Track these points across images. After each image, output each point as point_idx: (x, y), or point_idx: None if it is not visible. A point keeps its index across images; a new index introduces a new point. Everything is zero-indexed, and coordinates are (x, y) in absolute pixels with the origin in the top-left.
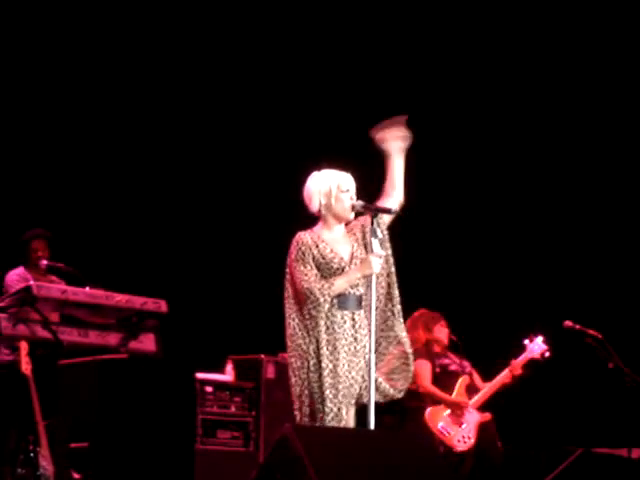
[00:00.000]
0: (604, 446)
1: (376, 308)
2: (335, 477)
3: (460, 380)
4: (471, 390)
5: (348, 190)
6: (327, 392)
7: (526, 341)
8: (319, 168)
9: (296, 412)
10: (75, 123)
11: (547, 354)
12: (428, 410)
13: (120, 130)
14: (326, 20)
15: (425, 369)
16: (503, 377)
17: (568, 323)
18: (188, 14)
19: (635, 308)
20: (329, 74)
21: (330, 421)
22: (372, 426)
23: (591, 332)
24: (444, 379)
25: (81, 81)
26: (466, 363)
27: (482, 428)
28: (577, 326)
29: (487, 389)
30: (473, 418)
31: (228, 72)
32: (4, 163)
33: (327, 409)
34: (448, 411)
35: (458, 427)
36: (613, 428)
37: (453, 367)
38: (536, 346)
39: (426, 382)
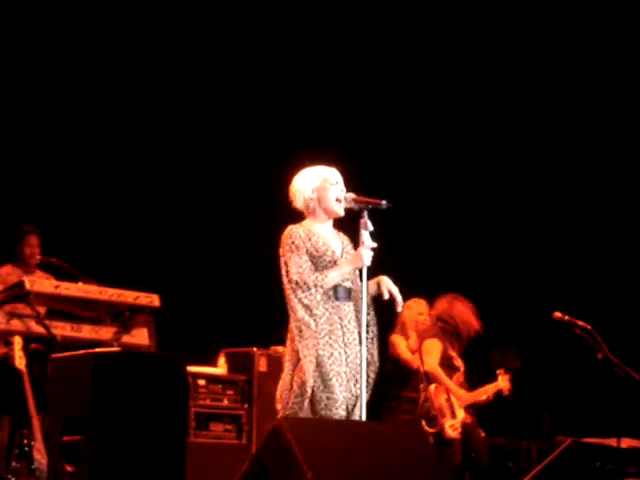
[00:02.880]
0: (594, 436)
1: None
2: (326, 468)
3: (455, 377)
4: (462, 387)
5: (337, 183)
6: (334, 380)
7: (498, 372)
8: (307, 163)
9: (287, 402)
10: (64, 117)
11: (505, 393)
12: (433, 385)
13: (111, 124)
14: (306, 21)
15: (437, 350)
16: (482, 392)
17: (557, 314)
18: (173, 18)
19: (623, 299)
20: (313, 71)
21: (337, 408)
22: (364, 417)
23: (580, 323)
24: (445, 371)
25: (69, 77)
26: (461, 362)
27: (467, 428)
28: (566, 317)
29: (474, 395)
30: (461, 415)
31: (214, 70)
32: None
33: (335, 396)
34: (446, 397)
35: (451, 415)
36: (602, 418)
37: (456, 362)
38: (505, 382)
39: (434, 362)
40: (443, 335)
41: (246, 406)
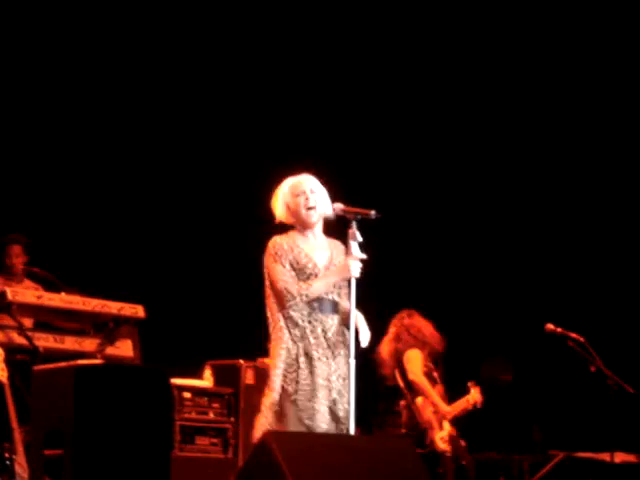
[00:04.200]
0: (587, 450)
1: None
2: None
3: (436, 389)
4: (444, 400)
5: (303, 192)
6: (319, 392)
7: (469, 384)
8: (293, 175)
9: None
10: (49, 126)
11: (478, 406)
12: (420, 398)
13: (98, 135)
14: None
15: (419, 360)
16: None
17: (550, 326)
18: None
19: (617, 311)
20: (301, 83)
21: (321, 419)
22: (352, 431)
23: (573, 335)
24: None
25: (61, 83)
26: (437, 374)
27: (453, 440)
28: (559, 329)
29: (456, 407)
30: (447, 427)
31: (205, 79)
32: None
33: (318, 407)
34: (432, 409)
35: (439, 428)
36: (595, 432)
37: (435, 374)
38: (477, 395)
39: (419, 371)
40: (423, 347)
41: (232, 419)
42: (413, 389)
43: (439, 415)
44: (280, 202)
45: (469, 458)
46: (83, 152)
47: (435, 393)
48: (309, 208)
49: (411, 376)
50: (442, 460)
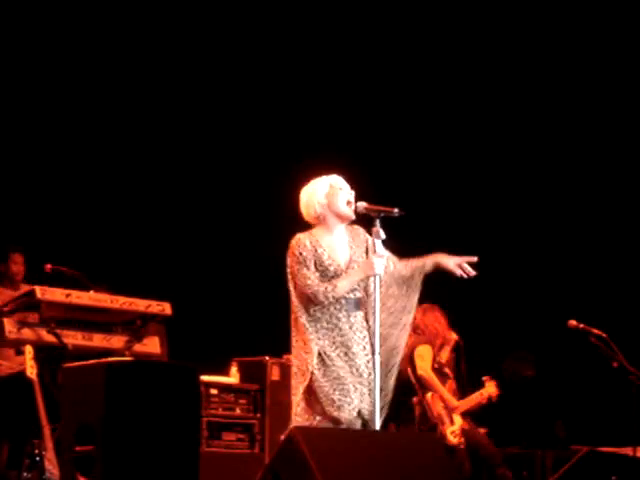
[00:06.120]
0: (609, 445)
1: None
2: (340, 478)
3: (447, 384)
4: (456, 394)
5: (342, 188)
6: (336, 392)
7: (484, 378)
8: (316, 171)
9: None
10: (73, 120)
11: (493, 400)
12: (430, 394)
13: (125, 131)
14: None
15: (429, 355)
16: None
17: (572, 322)
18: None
19: (639, 307)
20: (321, 79)
21: (340, 415)
22: (377, 427)
23: (595, 331)
24: (437, 377)
25: (71, 81)
26: (449, 370)
27: (467, 433)
28: (581, 325)
29: (467, 402)
30: (459, 421)
31: (219, 77)
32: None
33: (338, 405)
34: (442, 404)
35: (450, 422)
36: (618, 427)
37: (446, 369)
38: (492, 388)
39: (428, 367)
40: (434, 343)
41: (259, 415)
42: (423, 385)
43: (449, 410)
44: (317, 198)
45: (492, 449)
46: (111, 150)
47: (444, 389)
48: (349, 202)
49: (420, 371)
50: (456, 454)
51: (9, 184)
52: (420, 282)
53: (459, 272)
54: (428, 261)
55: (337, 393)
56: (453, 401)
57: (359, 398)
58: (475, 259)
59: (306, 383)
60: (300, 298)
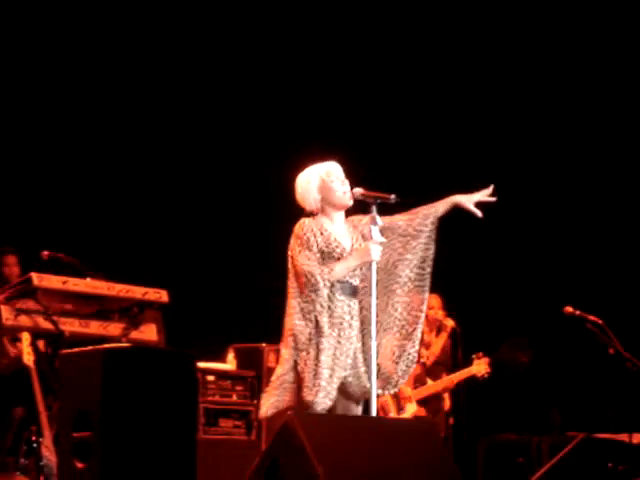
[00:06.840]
0: (605, 432)
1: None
2: (338, 464)
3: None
4: (419, 380)
5: (337, 177)
6: (324, 372)
7: (474, 356)
8: (312, 158)
9: (278, 389)
10: (74, 114)
11: (486, 376)
12: None
13: (121, 122)
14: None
15: None
16: (447, 381)
17: (568, 309)
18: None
19: (635, 293)
20: (317, 67)
21: (322, 398)
22: (374, 413)
23: (592, 318)
24: None
25: (71, 78)
26: (423, 351)
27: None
28: (577, 312)
29: (431, 387)
30: (411, 409)
31: (216, 70)
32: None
33: (321, 388)
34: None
35: (398, 411)
36: (614, 413)
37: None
38: (481, 366)
39: None
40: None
41: (255, 402)
42: None
43: (400, 398)
44: (311, 192)
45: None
46: (107, 139)
47: None
48: (344, 192)
49: None
50: None
51: (5, 173)
52: (434, 229)
53: (479, 214)
54: (440, 205)
55: (313, 377)
56: (404, 388)
57: (341, 380)
58: (491, 189)
59: (288, 366)
60: (297, 279)
